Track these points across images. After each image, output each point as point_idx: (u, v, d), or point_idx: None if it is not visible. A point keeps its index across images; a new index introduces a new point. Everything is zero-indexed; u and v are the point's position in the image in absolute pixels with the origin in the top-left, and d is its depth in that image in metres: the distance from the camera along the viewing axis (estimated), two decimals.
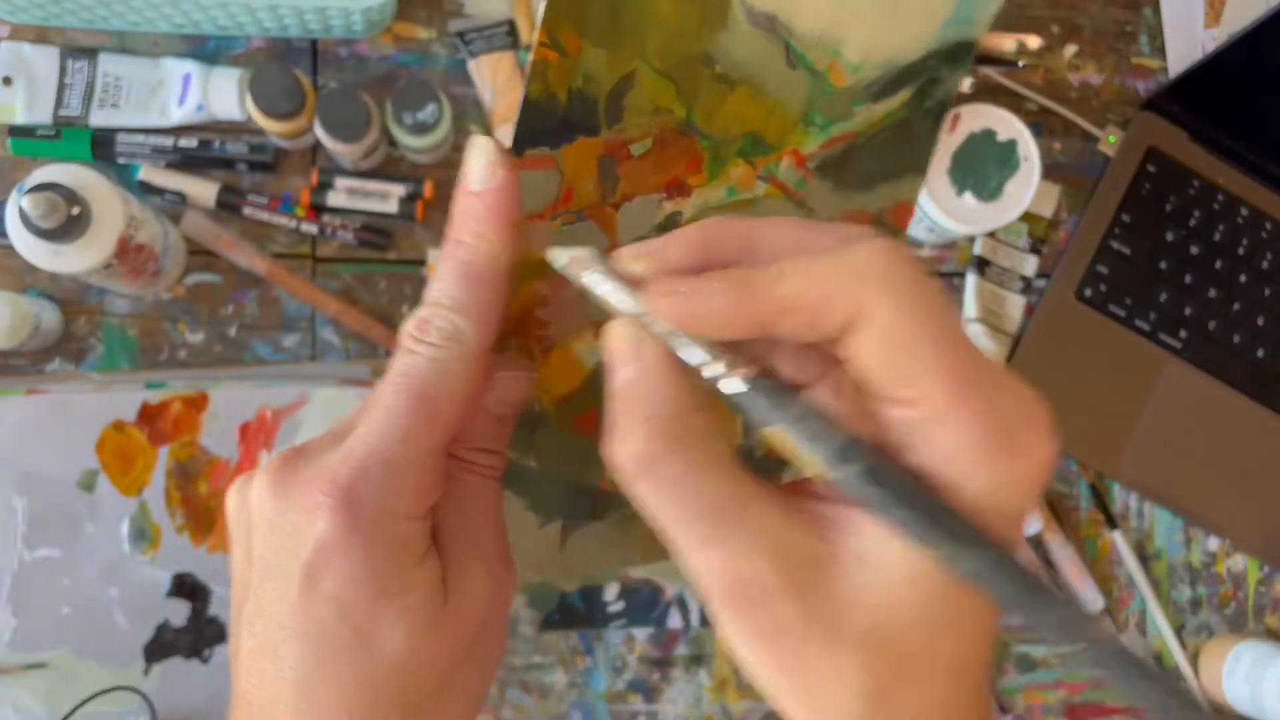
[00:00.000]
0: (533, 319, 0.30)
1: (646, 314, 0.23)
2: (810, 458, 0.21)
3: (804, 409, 0.22)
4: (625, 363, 0.23)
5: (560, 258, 0.27)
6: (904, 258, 0.21)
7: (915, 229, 0.68)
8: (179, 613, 0.63)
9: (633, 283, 0.24)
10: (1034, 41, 0.57)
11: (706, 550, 0.21)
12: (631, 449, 0.22)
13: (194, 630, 0.63)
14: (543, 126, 0.28)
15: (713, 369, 0.23)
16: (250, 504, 0.25)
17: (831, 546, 0.21)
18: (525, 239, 0.28)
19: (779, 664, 0.21)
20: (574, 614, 0.67)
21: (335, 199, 0.66)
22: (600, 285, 0.25)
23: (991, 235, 0.71)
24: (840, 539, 0.21)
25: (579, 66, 0.28)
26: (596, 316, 0.31)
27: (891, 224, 0.36)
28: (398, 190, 0.66)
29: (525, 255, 0.29)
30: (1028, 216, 0.71)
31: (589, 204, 0.30)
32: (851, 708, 0.20)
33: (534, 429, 0.31)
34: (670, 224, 0.32)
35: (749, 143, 0.32)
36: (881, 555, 0.21)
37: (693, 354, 0.23)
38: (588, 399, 0.32)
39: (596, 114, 0.29)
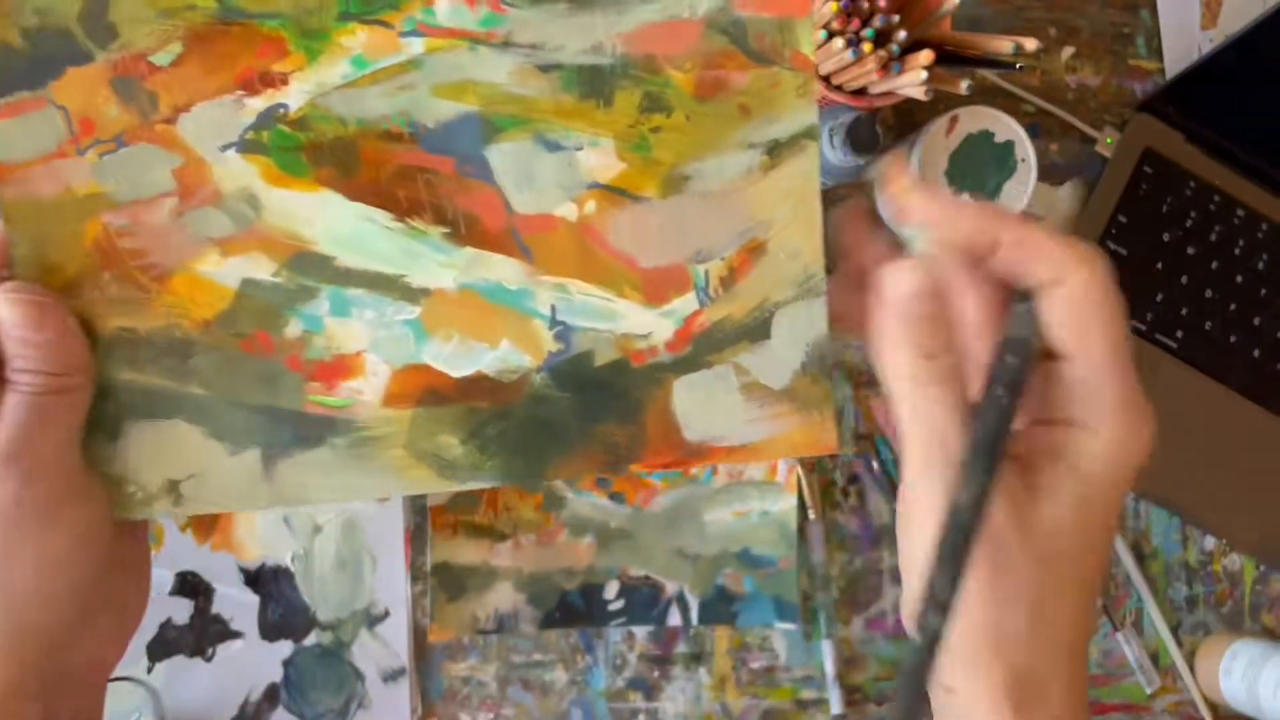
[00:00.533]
0: (119, 251, 0.30)
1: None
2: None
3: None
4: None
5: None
6: (1108, 266, 0.27)
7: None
8: (182, 611, 0.64)
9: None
10: (1031, 44, 0.57)
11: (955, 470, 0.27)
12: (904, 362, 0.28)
13: (197, 628, 0.64)
14: (5, 76, 0.28)
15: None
16: None
17: (1030, 488, 0.27)
18: (53, 181, 0.29)
19: (994, 584, 0.27)
20: (574, 612, 0.67)
21: None
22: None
23: None
24: (1029, 477, 0.28)
25: (22, 6, 0.28)
26: (215, 235, 0.30)
27: (639, 52, 0.30)
28: None
29: (63, 195, 0.29)
30: None
31: (126, 129, 0.29)
32: (1021, 619, 0.27)
33: (186, 356, 0.31)
34: (273, 120, 0.30)
35: (349, 1, 0.29)
36: (1058, 487, 0.27)
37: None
38: (248, 319, 0.31)
39: (76, 42, 0.28)
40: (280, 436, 0.31)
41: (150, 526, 0.35)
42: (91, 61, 0.28)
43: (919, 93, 0.58)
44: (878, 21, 0.59)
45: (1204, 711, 0.72)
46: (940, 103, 0.71)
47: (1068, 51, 0.75)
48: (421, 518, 0.67)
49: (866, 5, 0.59)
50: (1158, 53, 0.76)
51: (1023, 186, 0.65)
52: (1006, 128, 0.65)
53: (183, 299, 0.31)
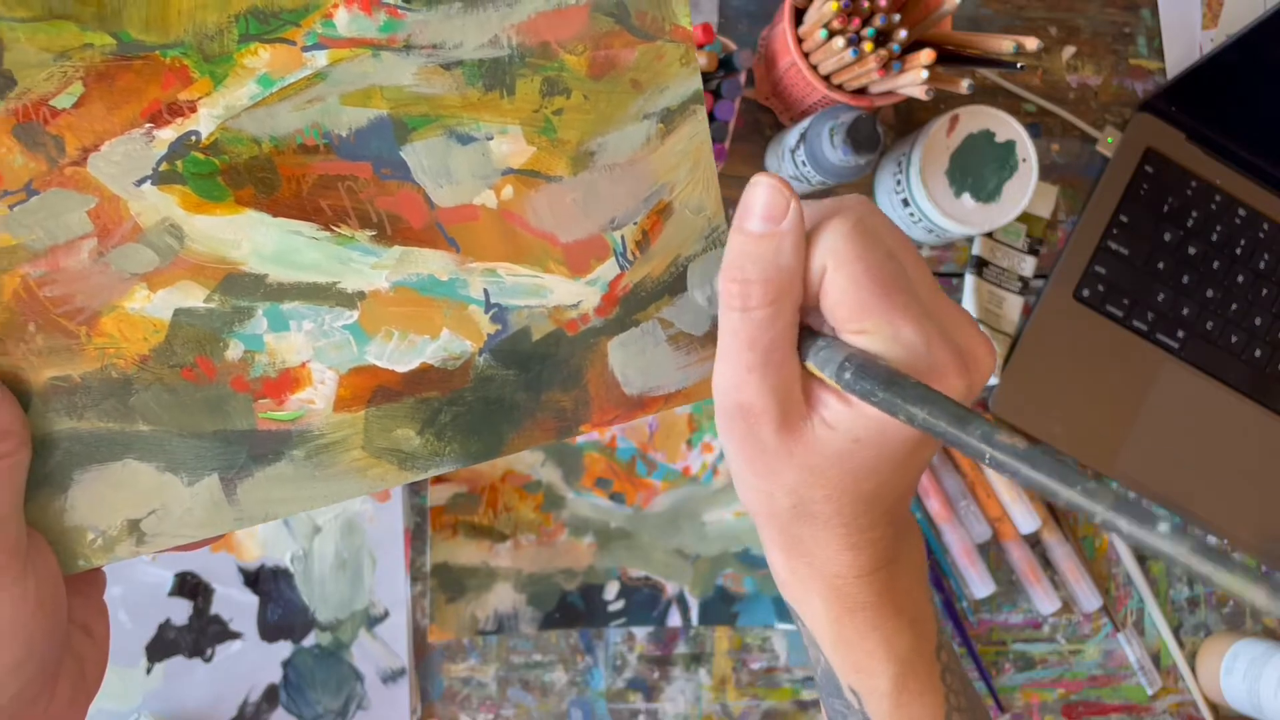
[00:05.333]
0: (42, 301, 0.30)
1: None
2: (824, 375, 0.30)
3: (816, 340, 0.31)
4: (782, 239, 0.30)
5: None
6: (856, 231, 0.30)
7: (913, 230, 0.68)
8: (181, 612, 0.64)
9: None
10: (1032, 43, 0.57)
11: (751, 375, 0.30)
12: (745, 287, 0.31)
13: (196, 629, 0.64)
14: None
15: None
16: None
17: (811, 410, 0.31)
18: None
19: (754, 463, 0.31)
20: (574, 612, 0.67)
21: None
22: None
23: (990, 236, 0.72)
24: (817, 407, 0.31)
25: None
26: (140, 270, 0.30)
27: (533, 40, 0.31)
28: None
29: None
30: (1026, 217, 0.72)
31: (34, 176, 0.29)
32: (786, 502, 0.32)
33: (126, 395, 0.31)
34: (185, 148, 0.30)
35: (248, 23, 0.29)
36: (839, 422, 0.30)
37: None
38: (185, 349, 0.31)
39: None
40: (236, 458, 0.31)
41: (104, 583, 0.34)
42: None
43: (920, 92, 0.58)
44: (878, 21, 0.59)
45: (1205, 712, 0.72)
46: (941, 102, 0.71)
47: (1069, 51, 0.75)
48: (421, 518, 0.66)
49: (867, 5, 0.59)
50: (1159, 52, 0.76)
51: (1024, 186, 0.65)
52: (1007, 127, 0.65)
53: (115, 339, 0.30)
